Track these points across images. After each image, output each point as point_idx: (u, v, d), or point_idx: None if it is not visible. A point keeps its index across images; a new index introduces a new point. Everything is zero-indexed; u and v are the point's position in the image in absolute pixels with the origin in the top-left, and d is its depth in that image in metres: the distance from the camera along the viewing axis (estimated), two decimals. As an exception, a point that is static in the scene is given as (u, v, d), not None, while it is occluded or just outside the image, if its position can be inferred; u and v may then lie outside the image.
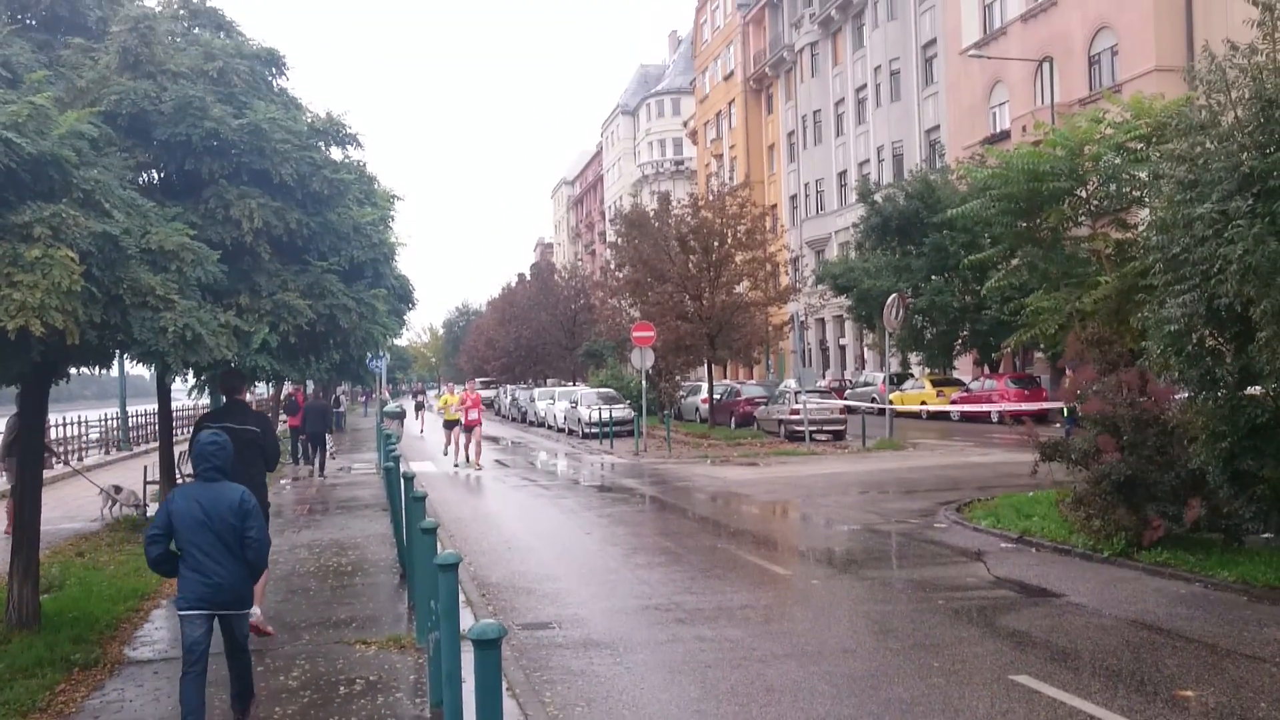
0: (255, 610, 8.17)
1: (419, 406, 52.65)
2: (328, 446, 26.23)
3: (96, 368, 8.97)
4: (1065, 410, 21.62)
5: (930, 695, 7.17)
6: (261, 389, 33.37)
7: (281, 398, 30.85)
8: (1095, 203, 18.80)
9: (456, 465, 25.95)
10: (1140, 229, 16.04)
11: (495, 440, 37.47)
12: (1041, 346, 23.57)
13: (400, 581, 11.40)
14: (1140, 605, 9.63)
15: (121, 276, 6.93)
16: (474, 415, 25.74)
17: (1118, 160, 17.14)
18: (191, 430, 9.27)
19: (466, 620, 8.55)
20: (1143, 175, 15.52)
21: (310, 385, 31.61)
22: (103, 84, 8.00)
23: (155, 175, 8.79)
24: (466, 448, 26.24)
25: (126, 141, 8.05)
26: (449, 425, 27.95)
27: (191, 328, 7.07)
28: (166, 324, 7.00)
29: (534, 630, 9.43)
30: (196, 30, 9.57)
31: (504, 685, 5.97)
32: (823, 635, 8.96)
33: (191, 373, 9.01)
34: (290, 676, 7.98)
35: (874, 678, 7.63)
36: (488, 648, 3.96)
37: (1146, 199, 15.22)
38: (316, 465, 25.02)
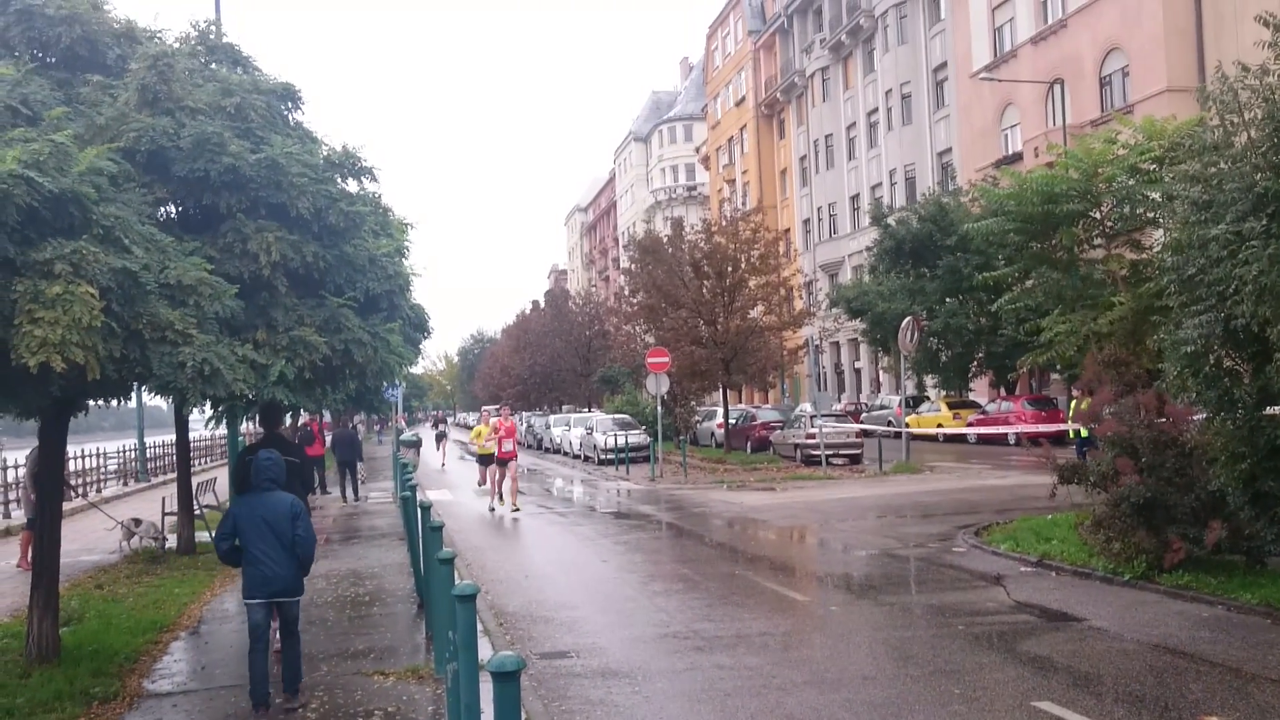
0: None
1: (440, 437, 46.48)
2: (358, 473, 27.20)
3: (115, 400, 9.03)
4: (1073, 433, 21.57)
5: (951, 722, 7.11)
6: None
7: (297, 428, 31.13)
8: (1109, 224, 18.82)
9: (493, 508, 22.14)
10: (1155, 250, 16.03)
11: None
12: (1058, 368, 23.51)
13: (418, 611, 11.39)
14: (1162, 629, 9.56)
15: (141, 311, 7.00)
16: (509, 447, 22.01)
17: (1131, 182, 17.16)
18: (237, 460, 10.68)
19: (485, 650, 8.54)
20: (1156, 196, 15.54)
21: (327, 415, 31.81)
22: (122, 121, 8.09)
23: (174, 210, 8.88)
24: (500, 485, 22.51)
25: (145, 177, 8.14)
26: (484, 461, 24.21)
27: (210, 362, 7.12)
28: (185, 358, 7.05)
29: (552, 659, 9.41)
30: (214, 66, 9.68)
31: (523, 716, 5.96)
32: (842, 662, 8.92)
33: (209, 404, 9.06)
34: (309, 709, 7.98)
35: (894, 705, 7.58)
36: (506, 680, 3.96)
37: (1160, 220, 15.22)
38: (351, 491, 25.77)
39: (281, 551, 7.75)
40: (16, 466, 18.27)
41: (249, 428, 27.23)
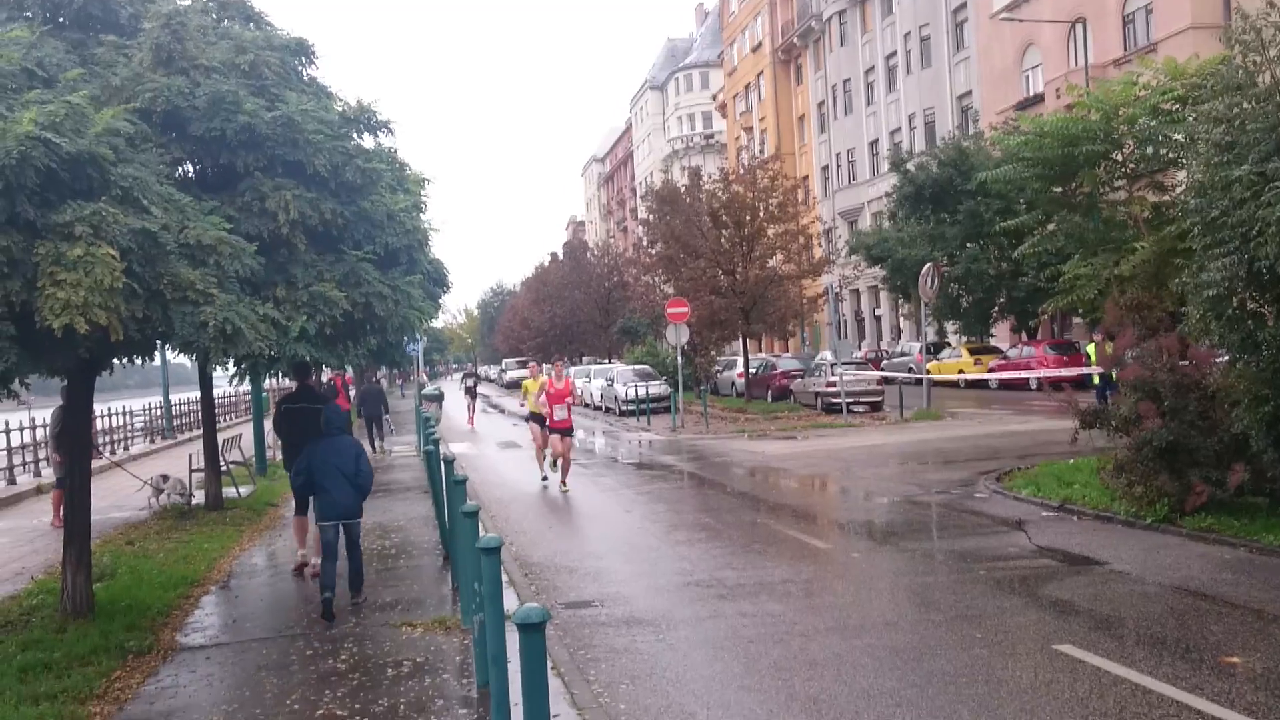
0: (314, 561, 10.73)
1: (470, 391, 39.00)
2: (384, 426, 28.34)
3: (139, 359, 9.12)
4: (1096, 377, 21.48)
5: (973, 667, 7.18)
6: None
7: (323, 383, 31.49)
8: (1131, 166, 18.61)
9: (545, 478, 18.38)
10: (1177, 192, 15.86)
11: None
12: (1079, 312, 23.38)
13: (443, 564, 11.53)
14: (1184, 571, 9.58)
15: (162, 272, 7.04)
16: (562, 415, 17.75)
17: (1153, 123, 16.95)
18: (276, 410, 12.67)
19: (510, 600, 8.66)
20: (1179, 137, 15.34)
21: (350, 371, 32.07)
22: (137, 81, 8.08)
23: (191, 170, 8.89)
24: (544, 450, 18.74)
25: (162, 137, 8.15)
26: (536, 419, 19.24)
27: (231, 321, 7.17)
28: (206, 318, 7.10)
29: (577, 609, 9.52)
30: (226, 23, 9.63)
31: (549, 665, 6.05)
32: (864, 608, 8.99)
33: (232, 362, 9.14)
34: (339, 660, 8.11)
35: (916, 650, 7.65)
36: (532, 631, 4.02)
37: (1183, 161, 15.02)
38: (379, 441, 26.76)
39: (347, 484, 9.53)
40: (45, 425, 18.47)
41: (273, 383, 27.46)
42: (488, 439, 29.84)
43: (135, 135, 7.52)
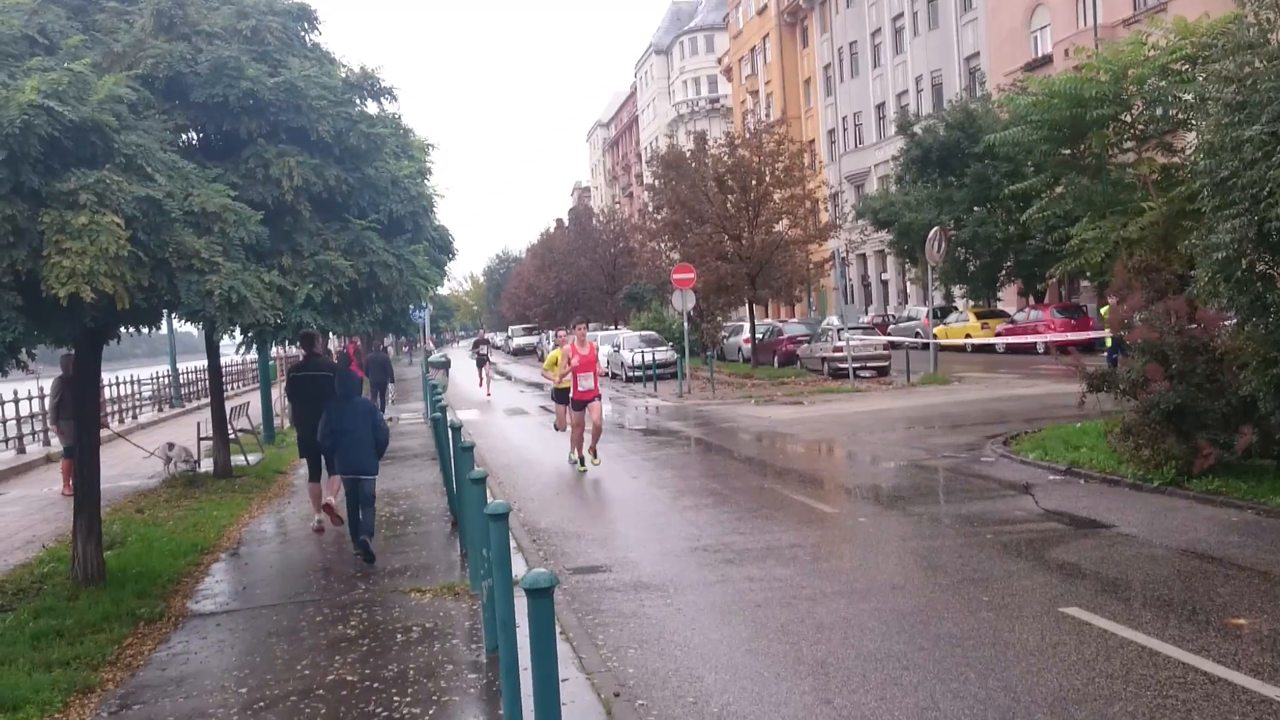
0: (334, 499, 11.53)
1: (481, 361, 37.34)
2: (388, 393, 28.76)
3: (146, 328, 9.12)
4: (1108, 340, 21.42)
5: (980, 629, 7.21)
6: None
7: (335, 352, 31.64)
8: (1140, 127, 18.47)
9: (573, 460, 16.32)
10: (1187, 153, 15.75)
11: (539, 387, 37.72)
12: (1087, 275, 23.29)
13: (451, 530, 11.58)
14: (1191, 534, 9.59)
15: (167, 240, 7.03)
16: (587, 385, 15.78)
17: (1163, 83, 16.79)
18: (288, 377, 13.58)
19: (518, 566, 8.69)
20: (1188, 98, 15.20)
21: (336, 343, 32.16)
22: (139, 47, 8.04)
23: (194, 137, 8.86)
24: (579, 431, 16.08)
25: (165, 104, 8.12)
26: (559, 398, 17.40)
27: (237, 289, 7.17)
28: (212, 286, 7.09)
29: (585, 574, 9.56)
30: (227, -12, 9.57)
31: (557, 630, 6.08)
32: (871, 572, 9.02)
33: (238, 331, 9.14)
34: (349, 625, 8.16)
35: (923, 613, 7.67)
36: (540, 596, 4.03)
37: (1192, 122, 14.91)
38: (384, 410, 26.67)
39: (360, 444, 10.37)
40: (45, 396, 18.55)
41: (279, 351, 27.47)
42: (495, 406, 29.90)
43: (138, 102, 7.49)
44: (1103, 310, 23.36)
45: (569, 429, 16.50)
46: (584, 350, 16.00)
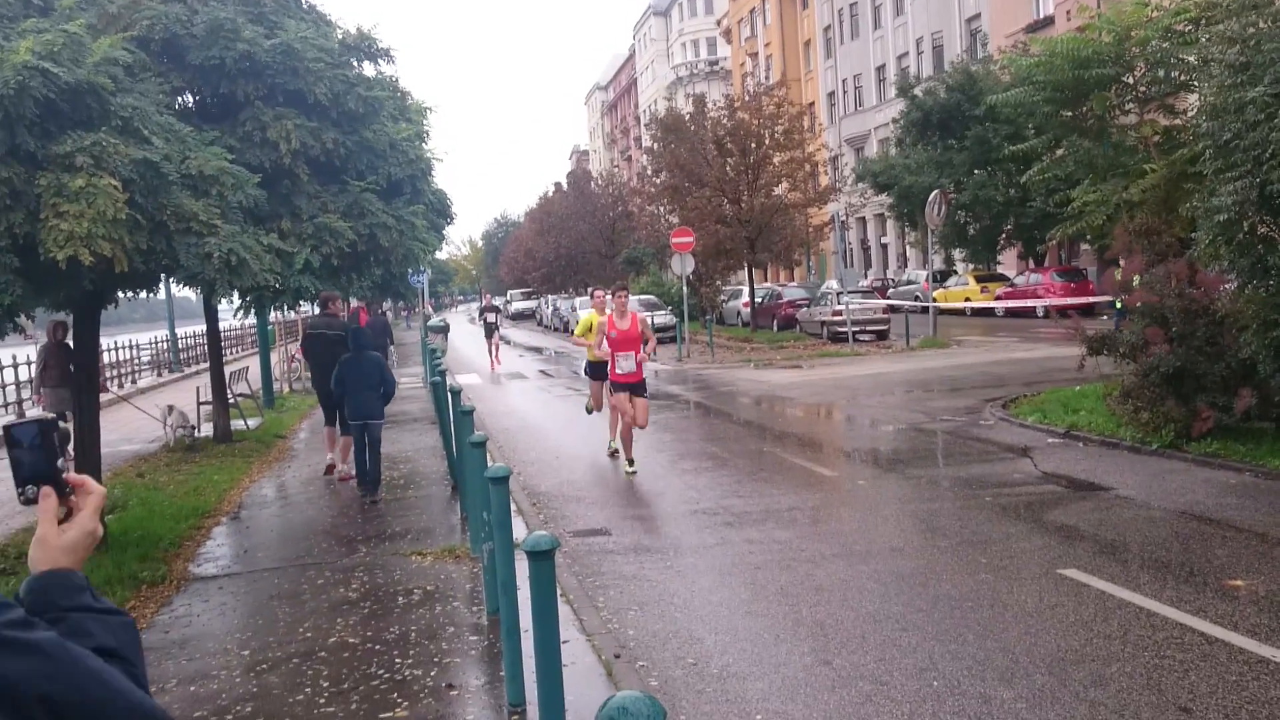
0: (344, 468, 12.76)
1: (490, 330, 31.07)
2: (390, 357, 28.30)
3: (145, 292, 9.11)
4: (1118, 303, 21.40)
5: (979, 591, 7.24)
6: (305, 308, 33.74)
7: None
8: (1142, 89, 18.34)
9: (614, 450, 13.60)
10: (1189, 115, 15.65)
11: (539, 351, 37.73)
12: (1088, 238, 23.22)
13: (452, 493, 11.61)
14: (1189, 496, 9.62)
15: (164, 203, 7.00)
16: (627, 367, 12.54)
17: (1165, 44, 16.65)
18: (304, 336, 15.28)
19: (519, 529, 8.72)
20: (1192, 59, 15.08)
21: (354, 302, 32.10)
22: (134, 9, 7.98)
23: (190, 99, 8.82)
24: (615, 414, 13.43)
25: (161, 66, 8.07)
26: (594, 373, 14.71)
27: (235, 252, 7.15)
28: (211, 249, 7.08)
29: (585, 537, 9.60)
30: (222, -51, 9.48)
31: (558, 592, 6.12)
32: (870, 535, 9.05)
33: (237, 294, 9.13)
34: (350, 589, 8.20)
35: (922, 575, 7.71)
36: (541, 559, 4.04)
37: (1195, 84, 14.80)
38: None
39: (372, 392, 11.49)
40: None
41: (278, 315, 27.44)
42: (496, 371, 29.89)
43: (134, 64, 7.43)
44: (1117, 273, 23.33)
45: (604, 408, 13.85)
46: (623, 324, 12.44)
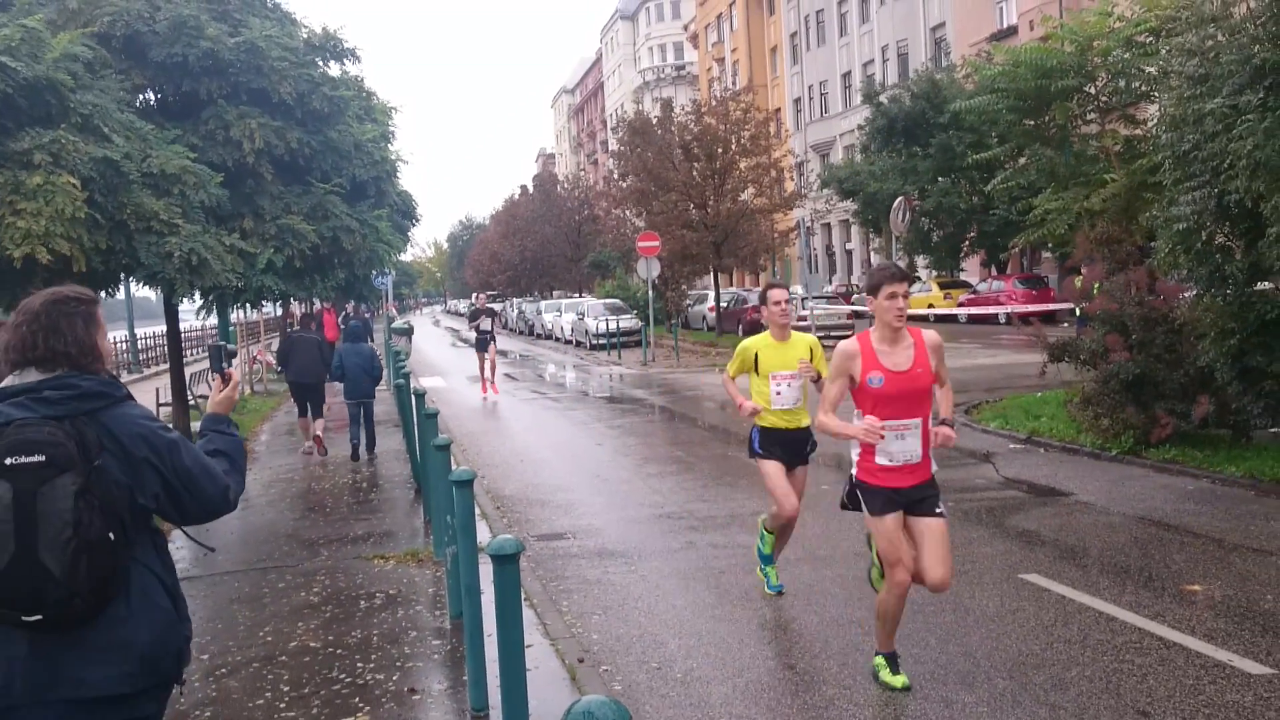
0: (308, 444, 15.14)
1: (484, 342, 23.27)
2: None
3: (103, 292, 8.99)
4: (1078, 310, 21.62)
5: (941, 596, 7.27)
6: (269, 309, 33.43)
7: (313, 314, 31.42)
8: (1104, 99, 18.54)
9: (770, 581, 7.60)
10: (1150, 125, 15.85)
11: (503, 354, 37.61)
12: (1050, 246, 23.45)
13: (415, 497, 11.54)
14: (1148, 502, 9.73)
15: (124, 202, 6.92)
16: (905, 451, 6.19)
17: (1127, 55, 16.86)
18: (284, 339, 17.38)
19: (483, 533, 8.67)
20: (1152, 70, 15.29)
21: (317, 304, 31.84)
22: (95, 4, 7.88)
23: (152, 97, 8.73)
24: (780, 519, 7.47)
25: (122, 63, 7.98)
26: (767, 446, 7.78)
27: (197, 252, 7.08)
28: (172, 248, 7.00)
29: (549, 541, 9.57)
30: (186, -54, 9.38)
31: (522, 596, 6.09)
32: (834, 539, 9.08)
33: (198, 294, 9.04)
34: (312, 592, 8.13)
35: (885, 580, 7.72)
36: (506, 563, 4.02)
37: (1156, 94, 15.01)
38: None
39: (365, 375, 14.21)
40: None
41: (240, 316, 27.17)
42: (457, 373, 29.77)
43: (94, 61, 7.34)
44: (1077, 281, 23.58)
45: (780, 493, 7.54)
46: (899, 357, 6.17)
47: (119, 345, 33.58)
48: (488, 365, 22.86)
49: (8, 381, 3.05)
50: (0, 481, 2.84)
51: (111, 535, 2.93)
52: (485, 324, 23.26)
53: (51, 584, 2.84)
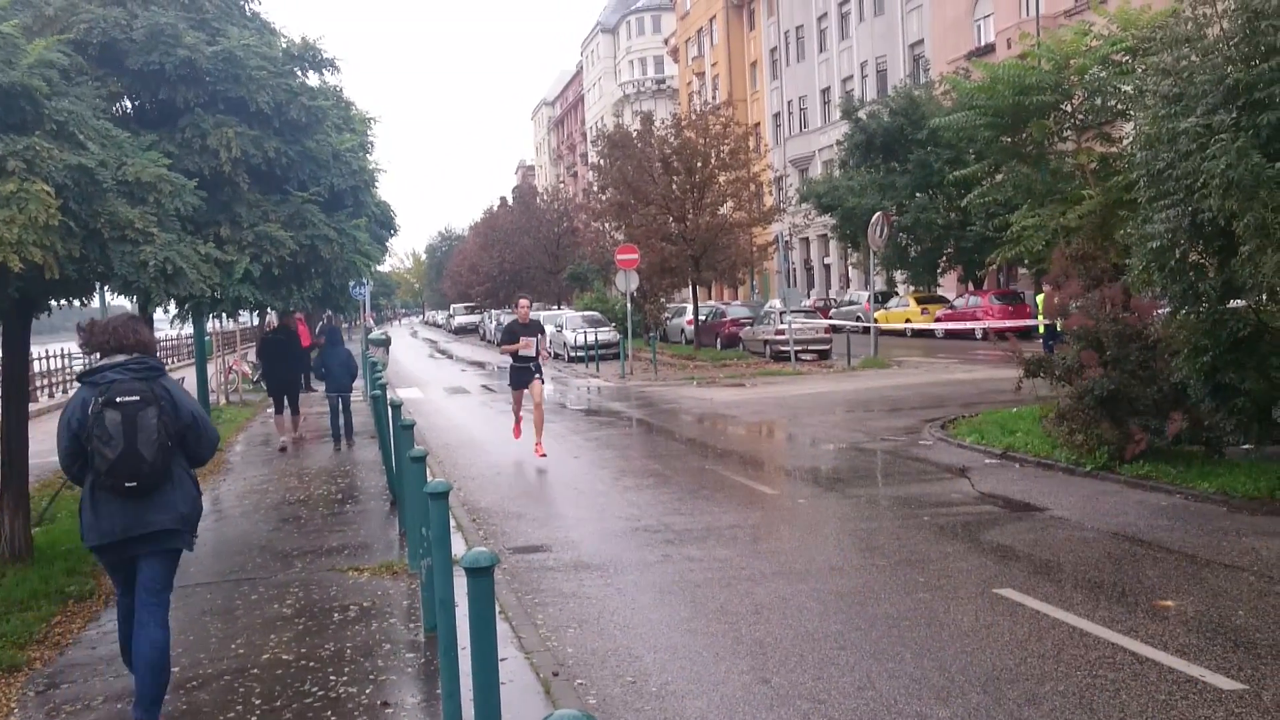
0: (284, 439, 17.00)
1: (525, 373, 15.16)
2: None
3: (78, 301, 8.90)
4: (1041, 328, 21.77)
5: (916, 610, 7.29)
6: (245, 317, 33.23)
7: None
8: (1080, 117, 18.73)
9: None
10: (1125, 143, 15.99)
11: (481, 365, 37.57)
12: (1026, 262, 23.62)
13: (391, 508, 11.48)
14: (1122, 518, 9.78)
15: (99, 210, 6.86)
16: None
17: (1103, 73, 17.03)
18: (261, 340, 20.04)
19: (458, 545, 8.65)
20: (1128, 89, 15.43)
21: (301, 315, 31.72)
22: (71, 11, 7.83)
23: (129, 105, 8.66)
24: None
25: (98, 71, 7.92)
26: None
27: (172, 260, 7.02)
28: (147, 257, 6.94)
29: (525, 554, 9.54)
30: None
31: (497, 609, 6.05)
32: (810, 553, 9.09)
33: (173, 303, 8.96)
34: (284, 604, 8.07)
35: (861, 594, 7.75)
36: (480, 575, 3.99)
37: (1131, 113, 15.14)
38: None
39: (345, 372, 16.97)
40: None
41: (216, 325, 27.03)
42: (434, 384, 29.69)
43: (70, 68, 7.29)
44: (1039, 298, 23.74)
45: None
46: None
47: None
48: (533, 398, 15.08)
49: (104, 361, 5.62)
50: (115, 410, 5.42)
51: (170, 443, 5.55)
52: (526, 347, 15.02)
53: (145, 465, 5.45)
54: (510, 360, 15.49)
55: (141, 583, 5.65)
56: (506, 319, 50.89)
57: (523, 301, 16.24)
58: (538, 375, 15.19)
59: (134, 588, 5.70)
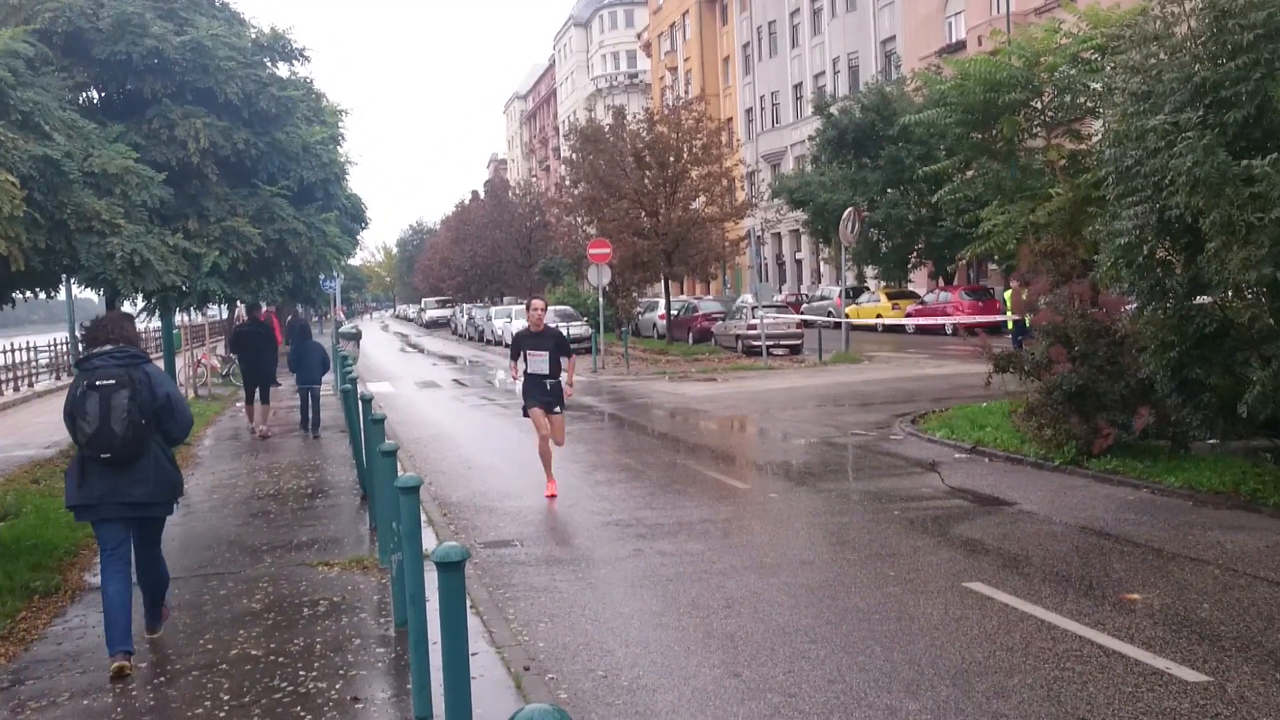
0: (262, 428, 17.35)
1: (546, 397, 11.84)
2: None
3: (43, 293, 8.81)
4: (1010, 323, 21.92)
5: (886, 604, 7.33)
6: (214, 311, 32.95)
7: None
8: (1050, 114, 18.87)
9: None
10: (1093, 141, 16.11)
11: (453, 360, 37.43)
12: (996, 258, 23.78)
13: (361, 503, 11.41)
14: (1089, 512, 9.87)
15: (65, 201, 6.79)
16: None
17: (1073, 71, 17.17)
18: (234, 332, 19.93)
19: (429, 540, 8.60)
20: (1097, 86, 15.56)
21: (264, 307, 31.44)
22: (36, 0, 7.73)
23: (95, 95, 8.58)
24: None
25: (64, 61, 7.84)
26: None
27: (139, 253, 6.96)
28: (113, 249, 6.88)
29: (496, 548, 9.51)
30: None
31: (468, 604, 6.03)
32: (781, 547, 9.11)
33: (141, 296, 8.88)
34: (254, 599, 8.01)
35: (831, 588, 7.78)
36: (451, 570, 3.98)
37: (1100, 110, 15.26)
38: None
39: (316, 364, 17.39)
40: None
41: (185, 319, 26.78)
42: (405, 378, 29.56)
43: (35, 58, 7.20)
44: (1006, 294, 23.92)
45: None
46: None
47: (59, 347, 33.00)
48: (553, 437, 12.08)
49: (94, 350, 6.32)
50: (95, 392, 6.14)
51: (143, 421, 6.22)
52: (539, 363, 11.84)
53: (116, 440, 6.14)
54: (523, 363, 11.86)
55: (135, 543, 6.69)
56: (479, 313, 50.92)
57: (536, 303, 11.96)
58: (557, 407, 11.85)
59: (109, 546, 6.50)
